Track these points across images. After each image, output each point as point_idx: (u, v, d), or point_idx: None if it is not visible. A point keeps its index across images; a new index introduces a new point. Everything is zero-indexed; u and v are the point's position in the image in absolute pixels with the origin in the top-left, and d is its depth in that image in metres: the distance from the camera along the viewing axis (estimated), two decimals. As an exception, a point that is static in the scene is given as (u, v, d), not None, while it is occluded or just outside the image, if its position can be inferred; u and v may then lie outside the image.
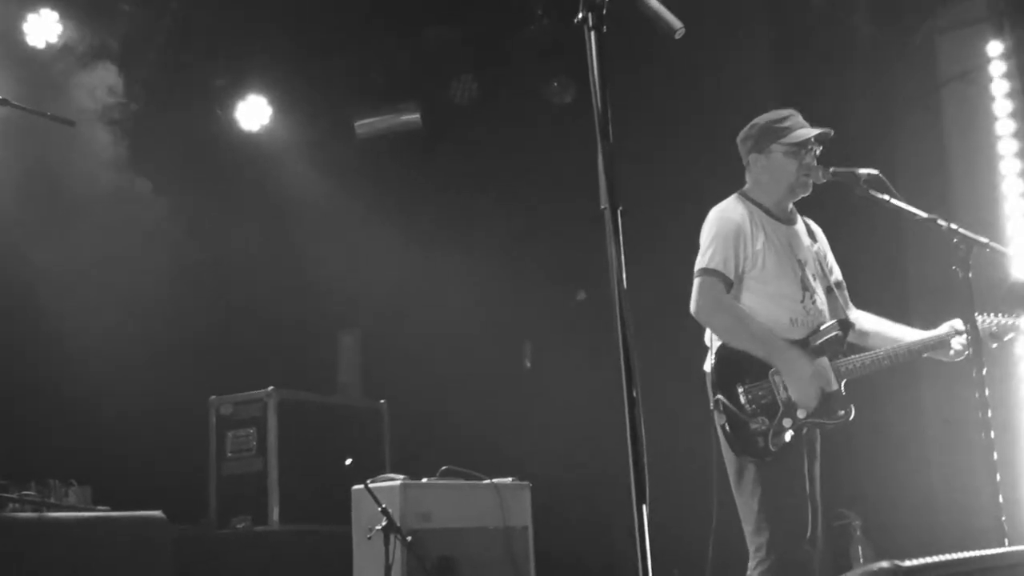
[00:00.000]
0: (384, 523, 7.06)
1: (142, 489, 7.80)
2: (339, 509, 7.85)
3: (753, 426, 5.59)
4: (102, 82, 9.67)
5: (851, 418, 5.70)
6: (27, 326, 9.15)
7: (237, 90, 10.72)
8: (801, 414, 5.62)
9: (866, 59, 9.81)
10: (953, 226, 5.57)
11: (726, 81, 9.72)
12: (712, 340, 5.81)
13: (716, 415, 5.67)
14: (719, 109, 8.54)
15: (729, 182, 6.10)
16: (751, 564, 5.62)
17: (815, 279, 5.95)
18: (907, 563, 3.07)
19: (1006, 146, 9.22)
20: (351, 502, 7.70)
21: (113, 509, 7.02)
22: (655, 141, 9.69)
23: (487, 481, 8.04)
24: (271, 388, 9.37)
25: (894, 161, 9.10)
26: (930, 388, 9.12)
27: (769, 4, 10.05)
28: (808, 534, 5.65)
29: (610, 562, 9.09)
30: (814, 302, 5.88)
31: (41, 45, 9.30)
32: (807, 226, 6.15)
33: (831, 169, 5.81)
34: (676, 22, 3.53)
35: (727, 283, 5.77)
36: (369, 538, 7.17)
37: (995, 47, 9.32)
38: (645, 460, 3.18)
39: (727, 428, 5.63)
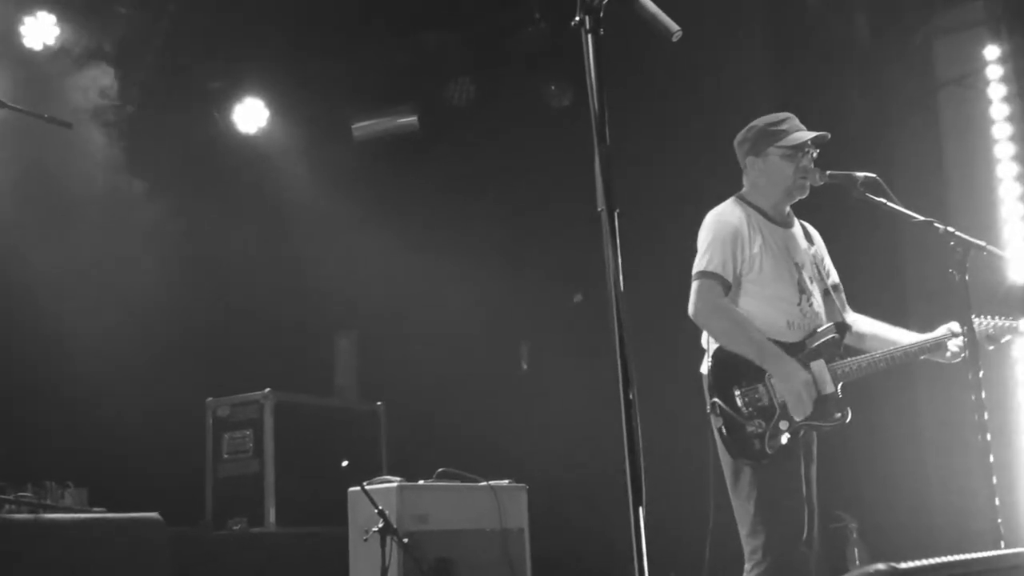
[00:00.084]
0: (381, 525, 7.06)
1: (138, 491, 7.79)
2: (335, 511, 7.85)
3: (749, 429, 5.59)
4: (99, 84, 9.68)
5: (847, 420, 5.69)
6: (24, 327, 9.15)
7: (234, 92, 10.73)
8: (797, 417, 5.61)
9: (863, 62, 9.82)
10: (950, 229, 5.57)
11: (723, 84, 9.73)
12: (709, 343, 5.82)
13: (712, 418, 5.67)
14: (716, 112, 8.54)
15: (727, 184, 6.10)
16: (747, 566, 5.62)
17: (812, 282, 5.95)
18: (903, 565, 3.07)
19: (1003, 149, 9.24)
20: (347, 504, 7.70)
21: (109, 510, 7.02)
22: (652, 144, 9.70)
23: (484, 483, 8.05)
24: (268, 390, 9.38)
25: (891, 164, 9.13)
26: (927, 391, 9.13)
27: (766, 7, 10.05)
28: (804, 536, 5.65)
29: (607, 564, 9.07)
30: (811, 305, 5.88)
31: (38, 47, 9.31)
32: (804, 229, 6.15)
33: (828, 172, 5.81)
34: (673, 25, 3.53)
35: (725, 286, 5.77)
36: (366, 540, 7.17)
37: (992, 51, 9.33)
38: (642, 462, 3.19)
39: (723, 431, 5.62)
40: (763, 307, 5.78)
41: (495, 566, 7.91)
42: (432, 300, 10.80)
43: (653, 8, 3.56)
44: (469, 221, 10.83)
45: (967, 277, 5.48)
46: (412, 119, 11.00)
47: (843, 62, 9.80)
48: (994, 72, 9.32)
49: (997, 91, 9.30)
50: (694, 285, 5.80)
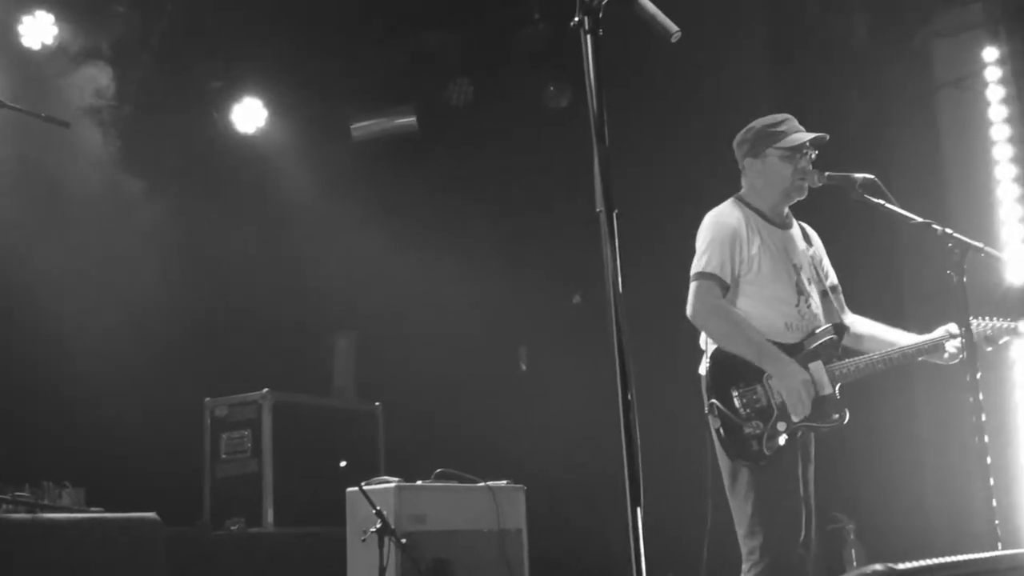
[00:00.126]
0: (378, 525, 7.07)
1: (136, 490, 7.80)
2: (333, 511, 7.85)
3: (747, 430, 5.59)
4: (97, 84, 9.68)
5: (845, 422, 5.70)
6: (21, 327, 9.14)
7: (233, 92, 10.72)
8: (795, 418, 5.62)
9: (862, 64, 9.83)
10: (948, 231, 5.58)
11: (722, 85, 9.73)
12: (707, 344, 5.82)
13: (710, 419, 5.66)
14: (716, 112, 8.55)
15: (726, 185, 6.10)
16: (745, 567, 5.62)
17: (810, 283, 5.96)
18: (900, 566, 3.07)
19: (1001, 151, 9.25)
20: (345, 504, 7.70)
21: (107, 510, 7.01)
22: (652, 144, 9.71)
23: (482, 484, 8.05)
24: (266, 390, 9.38)
25: (890, 165, 9.14)
26: (924, 392, 9.13)
27: (766, 8, 10.06)
28: (801, 537, 5.65)
29: (605, 565, 9.07)
30: (809, 306, 5.88)
31: (36, 47, 9.30)
32: (803, 230, 6.16)
33: (826, 173, 5.82)
34: (672, 26, 3.53)
35: (723, 287, 5.77)
36: (363, 540, 7.17)
37: (990, 53, 9.34)
38: (640, 463, 3.19)
39: (721, 432, 5.63)
40: (761, 308, 5.79)
41: (493, 567, 7.91)
42: (431, 300, 10.79)
43: (652, 9, 3.56)
44: (468, 222, 10.83)
45: (965, 278, 5.50)
46: (411, 119, 11.00)
47: (842, 63, 9.81)
48: (992, 74, 9.33)
49: (995, 93, 9.31)
50: (692, 286, 5.80)
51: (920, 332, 5.96)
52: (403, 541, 7.16)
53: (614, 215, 3.30)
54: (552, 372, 10.66)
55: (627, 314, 3.25)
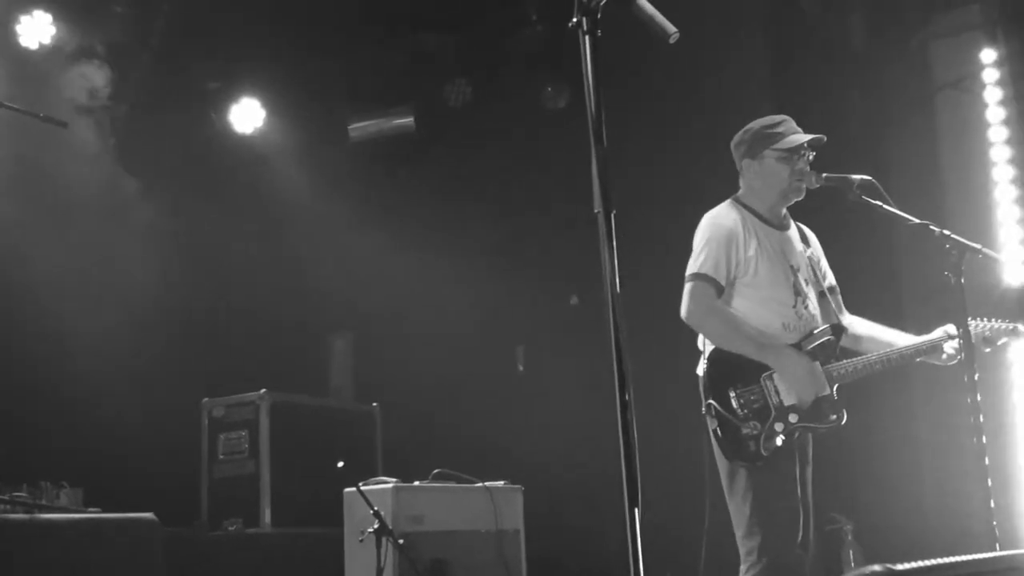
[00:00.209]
0: (376, 526, 7.07)
1: (134, 491, 7.80)
2: (331, 512, 7.85)
3: (745, 430, 5.59)
4: (95, 84, 9.67)
5: (843, 423, 5.70)
6: (19, 327, 9.15)
7: (231, 93, 10.71)
8: (793, 418, 5.62)
9: (861, 65, 9.84)
10: (946, 232, 5.59)
11: (721, 86, 9.73)
12: (705, 344, 5.82)
13: (708, 419, 5.67)
14: (715, 113, 8.55)
15: (725, 186, 6.10)
16: (743, 568, 5.62)
17: (808, 284, 5.96)
18: (899, 567, 3.07)
19: (999, 152, 9.24)
20: (343, 505, 7.70)
21: (104, 511, 7.00)
22: (651, 145, 9.70)
23: (479, 484, 8.05)
24: (263, 391, 9.38)
25: (888, 166, 9.15)
26: (922, 393, 9.13)
27: (764, 10, 10.06)
28: (799, 538, 5.65)
29: (603, 565, 9.08)
30: (806, 307, 5.88)
31: (34, 46, 9.30)
32: (800, 231, 6.16)
33: (824, 175, 5.82)
34: (670, 27, 3.53)
35: (718, 288, 5.77)
36: (361, 541, 7.17)
37: (988, 54, 9.34)
38: (637, 463, 3.19)
39: (719, 432, 5.63)
40: (758, 309, 5.79)
41: (491, 567, 7.91)
42: (428, 301, 10.79)
43: (651, 10, 3.56)
44: (465, 222, 10.82)
45: (963, 279, 5.50)
46: (409, 120, 10.99)
47: (840, 65, 9.81)
48: (991, 75, 9.33)
49: (993, 94, 9.31)
50: (687, 287, 5.80)
51: (918, 333, 5.96)
52: (401, 542, 7.16)
53: (612, 216, 3.30)
54: (550, 373, 10.66)
55: (626, 314, 3.25)
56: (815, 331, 5.81)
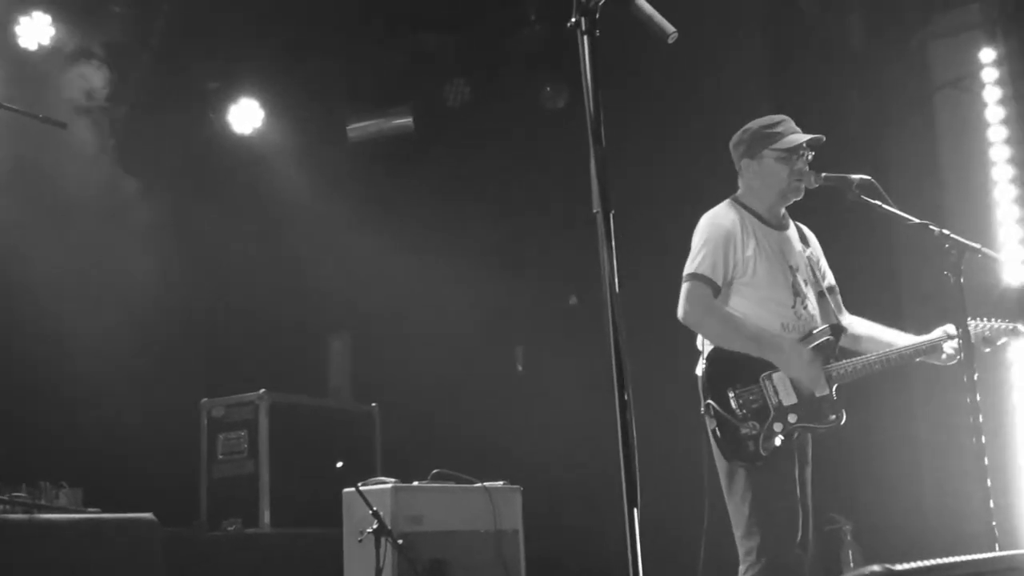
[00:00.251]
0: (375, 526, 7.06)
1: (133, 491, 7.81)
2: (330, 512, 7.85)
3: (743, 431, 5.59)
4: (94, 84, 9.67)
5: (842, 423, 5.70)
6: (17, 327, 9.14)
7: (230, 93, 10.71)
8: (792, 419, 5.62)
9: (860, 64, 9.83)
10: (945, 231, 5.59)
11: (720, 86, 9.73)
12: (704, 345, 5.82)
13: (707, 419, 5.67)
14: (714, 113, 8.54)
15: (725, 186, 6.10)
16: (741, 568, 5.62)
17: (806, 284, 5.96)
18: (898, 567, 3.07)
19: (998, 152, 9.24)
20: (342, 505, 7.70)
21: (104, 511, 7.01)
22: (651, 145, 9.69)
23: (478, 484, 8.05)
24: (263, 391, 9.38)
25: (887, 166, 9.14)
26: (922, 393, 9.12)
27: (763, 10, 10.05)
28: (798, 538, 5.65)
29: (602, 565, 9.07)
30: (805, 307, 5.88)
31: (33, 47, 9.30)
32: (800, 231, 6.16)
33: (823, 174, 5.81)
34: (669, 27, 3.53)
35: (714, 289, 5.78)
36: (360, 541, 7.17)
37: (988, 54, 9.33)
38: (636, 463, 3.18)
39: (717, 433, 5.63)
40: (757, 310, 5.79)
41: (489, 567, 7.91)
42: (427, 301, 10.79)
43: (649, 10, 3.56)
44: (464, 222, 10.82)
45: (962, 279, 5.50)
46: (407, 120, 10.99)
47: (839, 64, 9.81)
48: (990, 75, 9.32)
49: (993, 94, 9.31)
50: (683, 287, 5.81)
51: (918, 333, 5.96)
52: (400, 542, 7.16)
53: (611, 216, 3.30)
54: (549, 373, 10.65)
55: (625, 315, 3.24)
56: (814, 331, 5.81)
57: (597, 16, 3.42)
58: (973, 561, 3.56)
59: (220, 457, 9.50)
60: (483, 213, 10.91)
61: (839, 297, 6.22)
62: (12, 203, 9.23)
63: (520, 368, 11.49)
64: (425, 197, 10.90)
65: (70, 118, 8.63)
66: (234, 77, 10.67)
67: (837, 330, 5.87)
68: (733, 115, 6.28)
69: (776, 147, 5.87)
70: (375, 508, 7.09)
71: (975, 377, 5.38)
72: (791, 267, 5.91)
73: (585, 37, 3.41)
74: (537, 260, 10.91)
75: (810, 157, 5.89)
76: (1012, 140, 9.19)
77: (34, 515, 6.42)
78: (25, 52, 9.30)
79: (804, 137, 5.85)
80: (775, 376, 5.68)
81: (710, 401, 5.64)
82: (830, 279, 6.21)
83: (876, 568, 3.04)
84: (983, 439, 5.31)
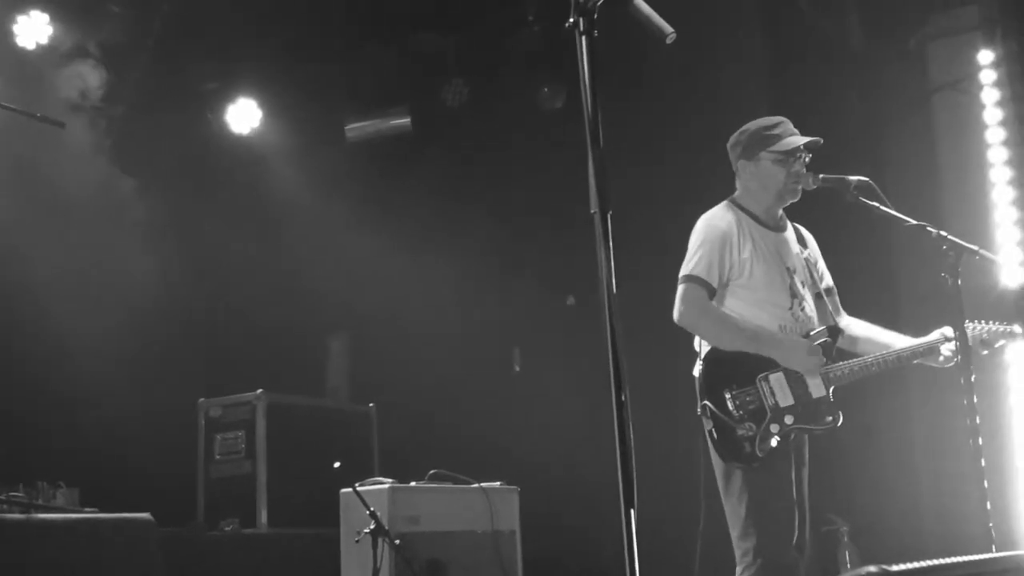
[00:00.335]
0: (372, 526, 7.06)
1: (130, 491, 7.80)
2: (327, 512, 7.85)
3: (740, 432, 5.59)
4: (92, 84, 9.66)
5: (839, 424, 5.70)
6: (16, 328, 9.13)
7: (228, 93, 10.70)
8: (789, 420, 5.62)
9: (859, 65, 9.84)
10: (943, 233, 5.58)
11: (719, 86, 9.72)
12: (701, 346, 5.82)
13: (703, 420, 5.67)
14: (712, 114, 8.54)
15: (721, 187, 6.10)
16: (738, 569, 5.62)
17: (804, 286, 5.96)
18: (895, 568, 3.07)
19: (996, 154, 9.25)
20: (339, 505, 7.70)
21: (101, 511, 7.01)
22: (647, 145, 9.69)
23: (476, 485, 8.05)
24: (260, 391, 9.37)
25: (885, 167, 9.15)
26: (919, 395, 9.13)
27: (762, 10, 10.05)
28: (795, 539, 5.65)
29: (598, 566, 9.08)
30: (803, 309, 5.88)
31: (31, 46, 9.29)
32: (797, 232, 6.16)
33: (821, 175, 5.81)
34: (667, 27, 3.53)
35: (710, 290, 5.78)
36: (357, 541, 7.17)
37: (986, 55, 9.34)
38: (633, 464, 3.18)
39: (714, 434, 5.63)
40: (753, 311, 5.79)
41: (486, 568, 7.91)
42: (425, 302, 10.79)
43: (647, 10, 3.56)
44: (462, 223, 10.82)
45: (960, 281, 5.49)
46: (405, 121, 10.98)
47: (837, 66, 9.81)
48: (988, 76, 9.33)
49: (991, 95, 9.31)
50: (679, 289, 5.82)
51: (915, 335, 5.95)
52: (397, 542, 7.15)
53: (608, 216, 3.30)
54: (546, 373, 10.65)
55: (623, 315, 3.24)
56: (811, 332, 5.81)
57: (595, 16, 3.41)
58: (970, 562, 3.56)
59: (217, 457, 9.50)
60: (481, 213, 10.91)
61: (837, 299, 6.22)
62: (11, 203, 9.22)
63: (517, 369, 11.49)
64: (423, 197, 10.90)
65: (68, 118, 8.62)
66: (232, 77, 10.67)
67: (834, 332, 5.87)
68: (732, 115, 6.28)
69: (774, 149, 5.87)
70: (372, 508, 7.08)
71: (972, 379, 5.37)
72: (788, 269, 5.91)
73: (583, 37, 3.41)
74: (535, 261, 10.92)
75: (808, 159, 5.89)
76: (1010, 142, 9.19)
77: (31, 515, 6.42)
78: (23, 51, 9.29)
79: (802, 140, 5.85)
80: (772, 377, 5.68)
81: (706, 402, 5.64)
82: (828, 281, 6.21)
83: (873, 569, 3.04)
84: (980, 441, 5.30)
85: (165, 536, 6.89)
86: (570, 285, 11.00)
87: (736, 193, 6.05)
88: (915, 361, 5.92)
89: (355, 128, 11.09)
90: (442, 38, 10.85)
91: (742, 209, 5.96)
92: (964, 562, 3.51)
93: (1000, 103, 9.27)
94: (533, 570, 8.33)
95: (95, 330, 9.40)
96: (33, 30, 9.26)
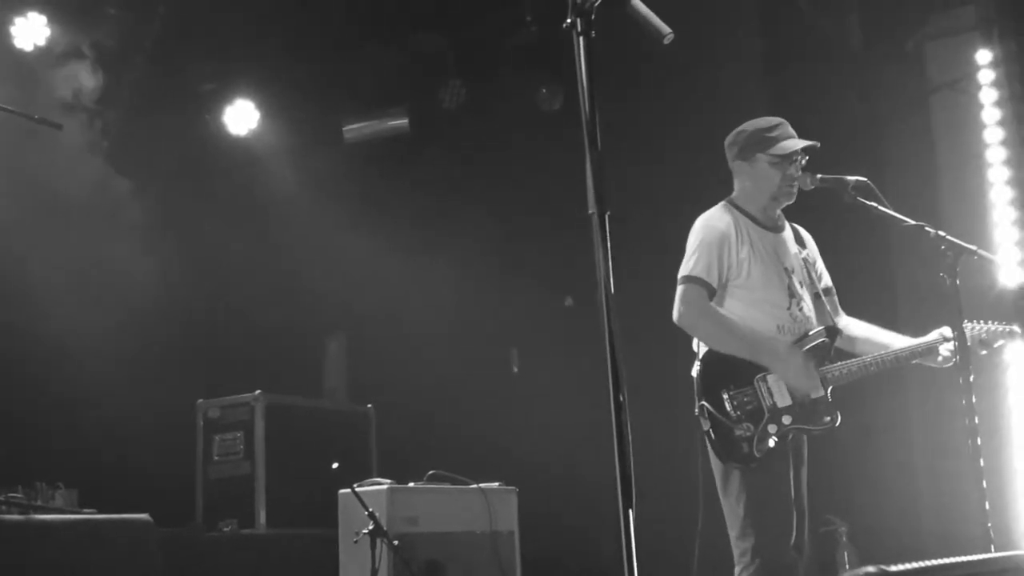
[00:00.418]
0: (371, 527, 7.06)
1: (129, 492, 7.80)
2: (326, 513, 7.85)
3: (738, 432, 5.59)
4: (89, 85, 9.66)
5: (837, 424, 5.70)
6: (14, 328, 9.13)
7: (225, 94, 10.70)
8: (786, 420, 5.63)
9: (857, 66, 9.84)
10: (941, 233, 5.58)
11: (718, 87, 9.73)
12: (699, 347, 5.83)
13: (701, 421, 5.67)
14: (711, 114, 8.53)
15: (720, 187, 6.10)
16: (737, 569, 5.63)
17: (802, 286, 5.96)
18: (893, 568, 3.06)
19: (994, 154, 9.24)
20: (338, 506, 7.70)
21: (100, 512, 7.01)
22: (646, 146, 9.69)
23: (474, 485, 8.05)
24: (258, 392, 9.37)
25: (884, 167, 9.15)
26: (918, 395, 9.13)
27: (761, 10, 10.05)
28: (793, 539, 5.66)
29: (597, 566, 9.08)
30: (801, 309, 5.88)
31: (29, 48, 9.29)
32: (796, 232, 6.16)
33: (819, 176, 5.81)
34: (665, 28, 3.53)
35: (709, 291, 5.78)
36: (356, 542, 7.16)
37: (984, 55, 9.34)
38: (632, 464, 3.18)
39: (712, 434, 5.63)
40: (752, 312, 5.79)
41: (485, 568, 7.91)
42: (423, 302, 10.78)
43: (645, 11, 3.55)
44: (460, 224, 10.82)
45: (958, 281, 5.49)
46: (403, 121, 10.98)
47: (836, 66, 9.81)
48: (986, 76, 9.33)
49: (989, 95, 9.31)
50: (679, 290, 5.82)
51: (914, 335, 5.95)
52: (395, 543, 7.15)
53: (606, 217, 3.30)
54: (544, 374, 10.65)
55: (622, 316, 3.24)
56: (810, 333, 5.82)
57: (593, 17, 3.41)
58: (969, 562, 3.56)
59: (216, 458, 9.49)
60: (479, 214, 10.90)
61: (836, 299, 6.22)
62: (10, 204, 9.21)
63: (515, 369, 11.49)
64: (421, 198, 10.90)
65: (66, 119, 8.61)
66: (230, 78, 10.66)
67: (832, 332, 5.87)
68: (731, 115, 6.27)
69: (771, 152, 5.87)
70: (371, 509, 7.08)
71: (971, 379, 5.37)
72: (786, 269, 5.91)
73: (581, 38, 3.41)
74: (533, 261, 10.90)
75: (804, 162, 5.89)
76: (1008, 142, 9.19)
77: (30, 516, 6.42)
78: (20, 53, 9.29)
79: (798, 144, 5.84)
80: (769, 377, 5.68)
81: (704, 402, 5.64)
82: (827, 281, 6.21)
83: (871, 569, 3.03)
84: (979, 441, 5.30)
85: (164, 537, 6.88)
86: (568, 286, 10.99)
87: (733, 194, 6.06)
88: (914, 361, 5.92)
89: (353, 129, 11.08)
90: (440, 39, 10.85)
91: (739, 210, 5.96)
92: (963, 562, 3.51)
93: (998, 103, 9.27)
94: (532, 570, 8.33)
95: (93, 331, 9.39)
96: (31, 32, 9.26)
